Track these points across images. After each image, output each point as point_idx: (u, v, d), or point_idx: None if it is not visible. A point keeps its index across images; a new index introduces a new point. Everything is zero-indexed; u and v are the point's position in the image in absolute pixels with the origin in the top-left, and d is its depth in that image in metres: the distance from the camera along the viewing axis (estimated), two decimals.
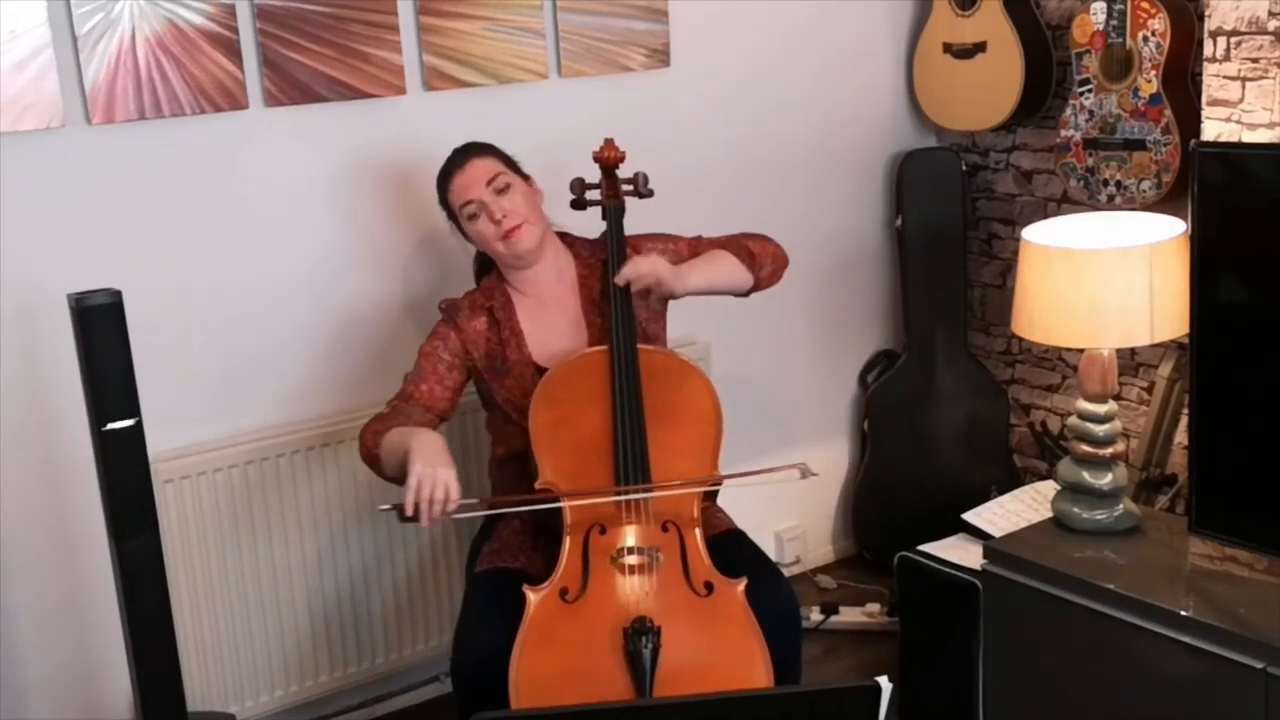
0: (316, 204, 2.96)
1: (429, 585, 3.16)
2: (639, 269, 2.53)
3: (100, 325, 2.25)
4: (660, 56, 3.32)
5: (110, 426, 2.27)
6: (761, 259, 2.70)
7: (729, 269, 2.65)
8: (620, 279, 2.53)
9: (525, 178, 2.64)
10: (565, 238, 2.72)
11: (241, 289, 2.90)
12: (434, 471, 2.26)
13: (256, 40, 2.80)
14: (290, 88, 2.85)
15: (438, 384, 2.58)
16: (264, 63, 2.81)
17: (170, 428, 2.80)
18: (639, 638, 2.22)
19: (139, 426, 2.30)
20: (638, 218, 2.71)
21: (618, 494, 2.39)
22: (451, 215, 2.64)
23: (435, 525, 2.32)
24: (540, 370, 2.57)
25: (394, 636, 3.13)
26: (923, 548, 2.98)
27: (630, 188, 2.69)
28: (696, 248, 2.73)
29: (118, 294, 2.27)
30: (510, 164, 2.63)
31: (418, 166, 3.05)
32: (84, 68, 2.62)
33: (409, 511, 2.26)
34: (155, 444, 2.50)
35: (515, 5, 3.09)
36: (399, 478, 2.36)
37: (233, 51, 2.77)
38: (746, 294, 2.72)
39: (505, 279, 2.65)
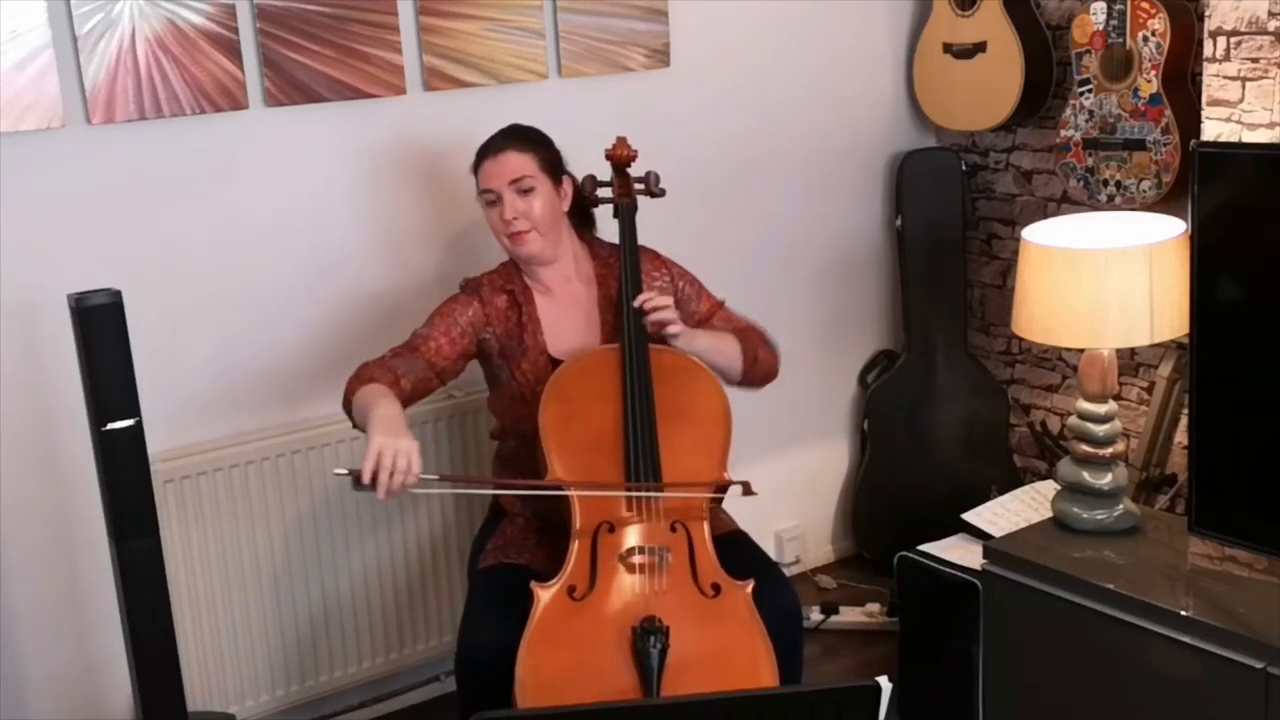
0: (316, 204, 2.96)
1: (429, 585, 3.15)
2: (663, 302, 2.48)
3: (100, 325, 2.25)
4: (660, 56, 3.32)
5: (110, 426, 2.27)
6: (760, 367, 2.66)
7: (729, 359, 2.60)
8: (640, 300, 2.47)
9: (558, 181, 2.59)
10: (584, 237, 2.72)
11: (241, 289, 2.90)
12: (395, 442, 2.20)
13: (256, 40, 2.80)
14: (290, 88, 2.85)
15: (448, 342, 2.56)
16: (264, 63, 2.81)
17: (170, 428, 2.80)
18: (648, 637, 2.22)
19: (139, 426, 2.30)
20: (646, 217, 2.69)
21: (627, 490, 2.39)
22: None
23: (391, 499, 2.26)
24: (553, 360, 2.58)
25: (394, 636, 3.13)
26: (923, 548, 2.98)
27: (642, 186, 2.67)
28: (713, 313, 2.71)
29: (118, 294, 2.27)
30: (548, 163, 2.58)
31: (418, 167, 3.06)
32: (84, 68, 2.62)
33: (365, 480, 2.19)
34: (155, 444, 2.50)
35: (515, 5, 3.09)
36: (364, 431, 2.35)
37: (233, 51, 2.77)
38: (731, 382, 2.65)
39: (520, 269, 2.65)
